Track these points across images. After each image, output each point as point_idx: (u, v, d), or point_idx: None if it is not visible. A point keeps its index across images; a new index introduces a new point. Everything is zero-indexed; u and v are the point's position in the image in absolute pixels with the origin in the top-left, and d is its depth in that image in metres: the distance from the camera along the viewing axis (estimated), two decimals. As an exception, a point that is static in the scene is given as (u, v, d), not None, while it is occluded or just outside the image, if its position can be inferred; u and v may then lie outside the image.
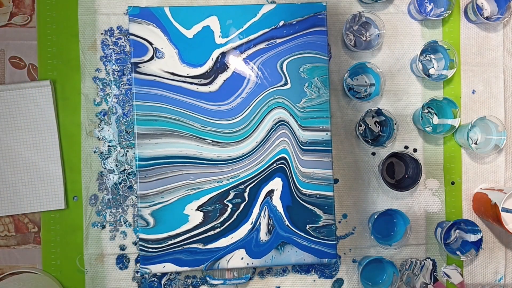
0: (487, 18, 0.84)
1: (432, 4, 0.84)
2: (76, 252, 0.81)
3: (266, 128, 0.75)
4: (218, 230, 0.74)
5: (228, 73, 0.75)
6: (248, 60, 0.75)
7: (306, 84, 0.75)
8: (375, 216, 0.79)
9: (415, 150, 0.84)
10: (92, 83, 0.82)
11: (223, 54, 0.75)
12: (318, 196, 0.75)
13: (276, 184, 0.75)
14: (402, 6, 0.85)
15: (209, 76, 0.75)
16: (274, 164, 0.75)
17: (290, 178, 0.75)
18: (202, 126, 0.74)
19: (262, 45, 0.75)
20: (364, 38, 0.84)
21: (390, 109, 0.84)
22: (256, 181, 0.75)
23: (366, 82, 0.84)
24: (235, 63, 0.75)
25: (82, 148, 0.82)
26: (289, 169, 0.75)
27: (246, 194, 0.74)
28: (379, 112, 0.81)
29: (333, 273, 0.83)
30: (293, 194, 0.75)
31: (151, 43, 0.74)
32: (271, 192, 0.75)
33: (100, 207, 0.81)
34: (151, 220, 0.74)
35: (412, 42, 0.85)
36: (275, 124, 0.75)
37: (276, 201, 0.75)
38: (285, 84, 0.75)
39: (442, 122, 0.84)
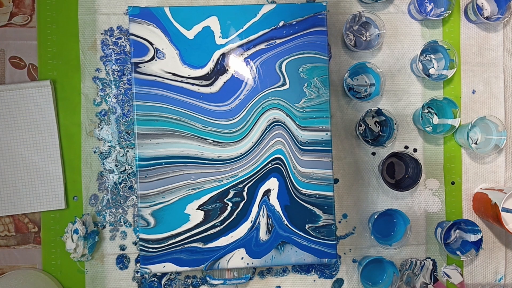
0: (487, 18, 0.84)
1: (432, 4, 0.84)
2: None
3: (261, 129, 0.75)
4: (218, 228, 0.74)
5: (228, 75, 0.75)
6: (247, 61, 0.75)
7: (306, 84, 0.75)
8: (375, 216, 0.79)
9: (415, 150, 0.84)
10: (92, 83, 0.82)
11: (223, 56, 0.75)
12: (317, 196, 0.75)
13: (272, 184, 0.75)
14: (402, 6, 0.85)
15: (210, 77, 0.75)
16: (270, 165, 0.75)
17: (287, 178, 0.75)
18: (203, 126, 0.74)
19: (262, 46, 0.75)
20: (364, 38, 0.84)
21: (390, 109, 0.84)
22: (253, 180, 0.75)
23: (366, 82, 0.84)
24: (235, 64, 0.75)
25: (82, 148, 0.82)
26: (285, 169, 0.75)
27: (245, 193, 0.74)
28: (379, 112, 0.81)
29: (333, 273, 0.83)
30: (291, 193, 0.75)
31: (151, 43, 0.74)
32: (268, 191, 0.75)
33: (100, 207, 0.81)
34: (151, 220, 0.74)
35: (412, 42, 0.85)
36: (270, 125, 0.75)
37: (274, 200, 0.75)
38: (283, 84, 0.75)
39: (442, 122, 0.84)
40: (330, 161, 0.75)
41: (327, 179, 0.75)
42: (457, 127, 0.81)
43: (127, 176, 0.82)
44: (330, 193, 0.75)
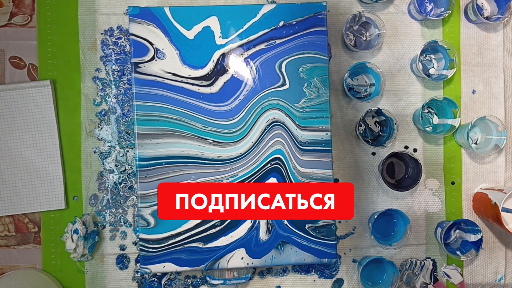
0: (487, 18, 0.84)
1: (432, 4, 0.84)
2: (76, 252, 0.81)
3: (260, 129, 0.75)
4: (218, 228, 0.74)
5: (228, 75, 0.75)
6: (247, 62, 0.75)
7: (306, 84, 0.75)
8: (375, 216, 0.79)
9: (415, 150, 0.84)
10: (92, 83, 0.82)
11: (223, 56, 0.75)
12: (318, 196, 0.75)
13: None
14: (402, 6, 0.85)
15: (210, 78, 0.75)
16: (269, 165, 0.75)
17: (287, 178, 0.75)
18: (203, 126, 0.74)
19: (262, 46, 0.75)
20: (364, 38, 0.84)
21: (390, 109, 0.84)
22: (253, 180, 0.75)
23: (366, 82, 0.84)
24: (235, 65, 0.75)
25: (82, 148, 0.82)
26: (285, 169, 0.75)
27: (245, 193, 0.74)
28: (379, 112, 0.81)
29: (333, 273, 0.83)
30: (291, 194, 0.75)
31: (151, 43, 0.74)
32: (268, 192, 0.75)
33: (100, 207, 0.81)
34: (151, 220, 0.74)
35: (412, 42, 0.85)
36: (269, 125, 0.75)
37: (274, 200, 0.75)
38: (283, 84, 0.75)
39: (442, 122, 0.84)
40: (330, 161, 0.75)
41: (327, 179, 0.75)
42: (457, 127, 0.81)
43: (127, 176, 0.82)
44: (330, 193, 0.75)
